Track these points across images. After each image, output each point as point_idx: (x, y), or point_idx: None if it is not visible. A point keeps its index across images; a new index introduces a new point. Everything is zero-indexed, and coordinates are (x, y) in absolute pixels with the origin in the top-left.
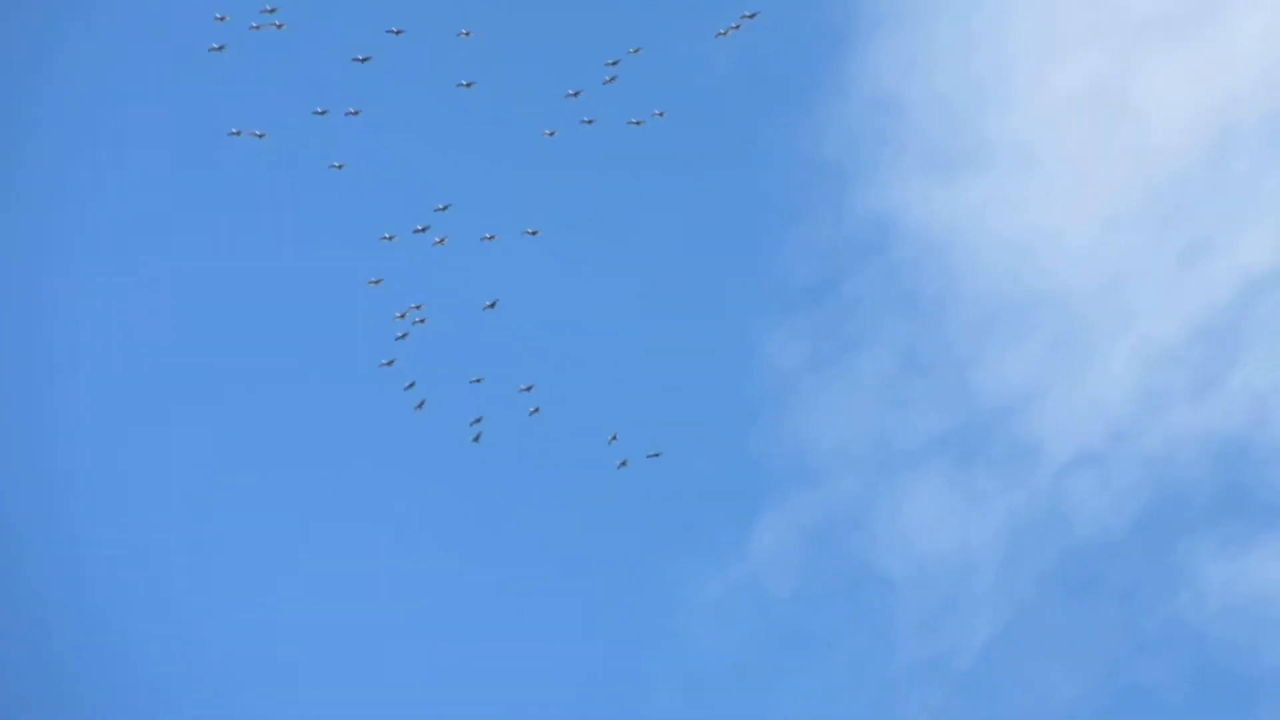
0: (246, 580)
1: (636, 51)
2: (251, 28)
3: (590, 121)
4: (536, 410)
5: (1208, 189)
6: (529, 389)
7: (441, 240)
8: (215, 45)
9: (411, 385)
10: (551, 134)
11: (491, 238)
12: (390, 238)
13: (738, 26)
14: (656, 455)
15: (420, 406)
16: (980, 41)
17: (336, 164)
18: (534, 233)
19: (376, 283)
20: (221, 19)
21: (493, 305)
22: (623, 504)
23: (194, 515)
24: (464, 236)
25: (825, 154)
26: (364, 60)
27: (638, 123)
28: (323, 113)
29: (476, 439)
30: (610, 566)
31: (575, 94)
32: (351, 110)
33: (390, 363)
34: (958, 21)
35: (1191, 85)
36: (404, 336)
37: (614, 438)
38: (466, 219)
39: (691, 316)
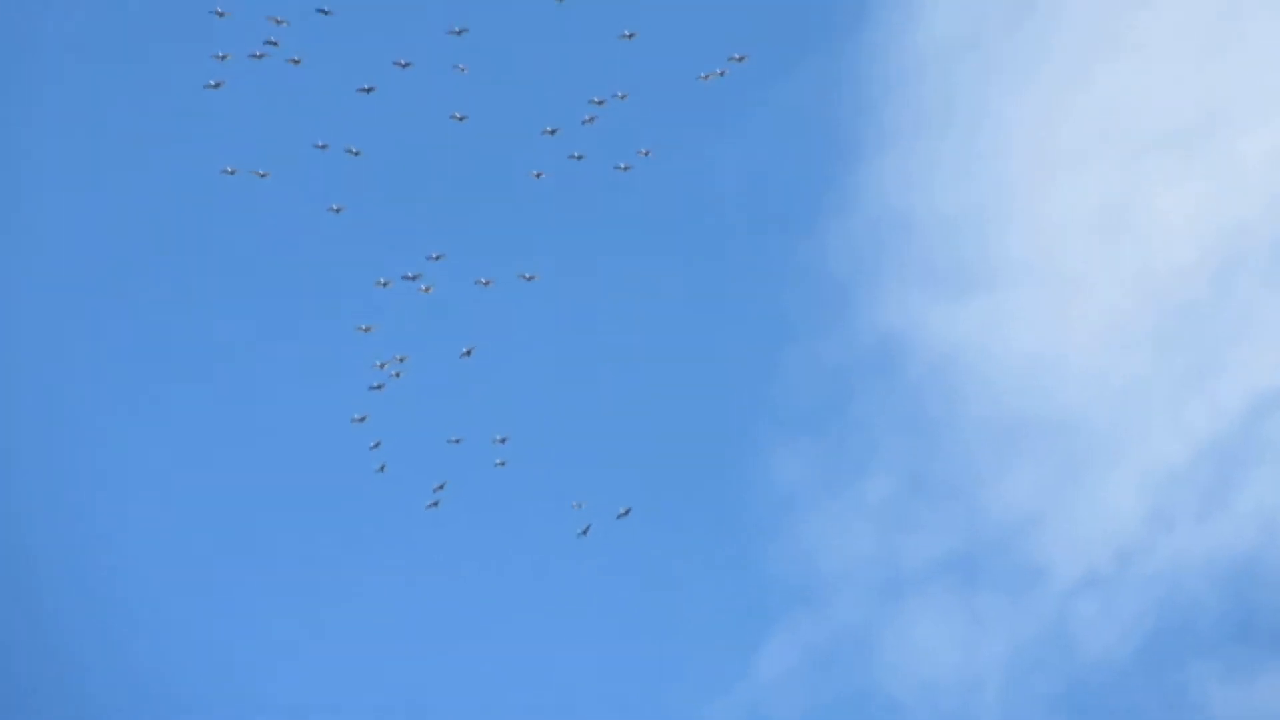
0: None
1: (623, 97)
2: (252, 56)
3: (579, 157)
4: (502, 463)
5: (1214, 309)
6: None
7: (428, 288)
8: (212, 82)
9: (377, 445)
10: (539, 175)
11: (487, 282)
12: (385, 283)
13: (722, 73)
14: (626, 513)
15: (382, 469)
16: (987, 160)
17: (335, 207)
18: (530, 277)
19: (367, 329)
20: (223, 57)
21: (468, 353)
22: (621, 626)
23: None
24: (454, 284)
25: (830, 271)
26: (368, 90)
27: (625, 168)
28: (323, 146)
29: (434, 505)
30: (609, 690)
31: (552, 131)
32: (353, 150)
33: (363, 419)
34: (964, 139)
35: (1198, 205)
36: (379, 387)
37: (578, 504)
38: (456, 265)
39: (694, 436)
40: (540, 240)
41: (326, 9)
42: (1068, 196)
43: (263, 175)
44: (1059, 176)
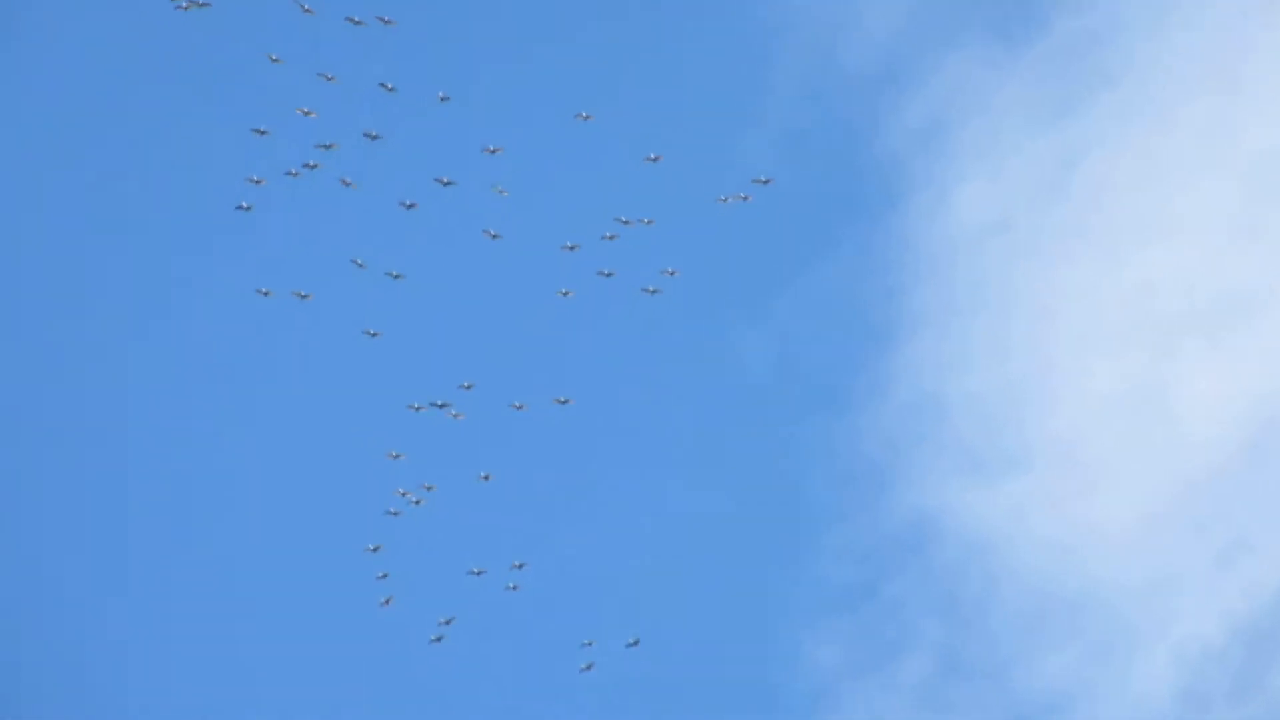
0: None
1: (649, 222)
2: (289, 174)
3: (609, 274)
4: (515, 587)
5: (1245, 488)
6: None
7: (459, 414)
8: (243, 204)
9: (384, 576)
10: (567, 294)
11: (521, 406)
12: (418, 408)
13: (746, 197)
14: (635, 644)
15: (387, 603)
16: (1019, 343)
17: (371, 331)
18: (564, 401)
19: (397, 457)
20: (258, 181)
21: (487, 478)
22: None
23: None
24: (485, 410)
25: (864, 454)
26: (410, 206)
27: (653, 290)
28: (361, 265)
29: (439, 639)
30: None
31: (573, 246)
32: (394, 274)
33: (376, 548)
34: (996, 322)
35: (1227, 385)
36: (397, 514)
37: (589, 642)
38: (487, 392)
39: (731, 619)
40: (573, 380)
41: (375, 133)
42: (1100, 378)
43: (304, 297)
44: (1091, 358)
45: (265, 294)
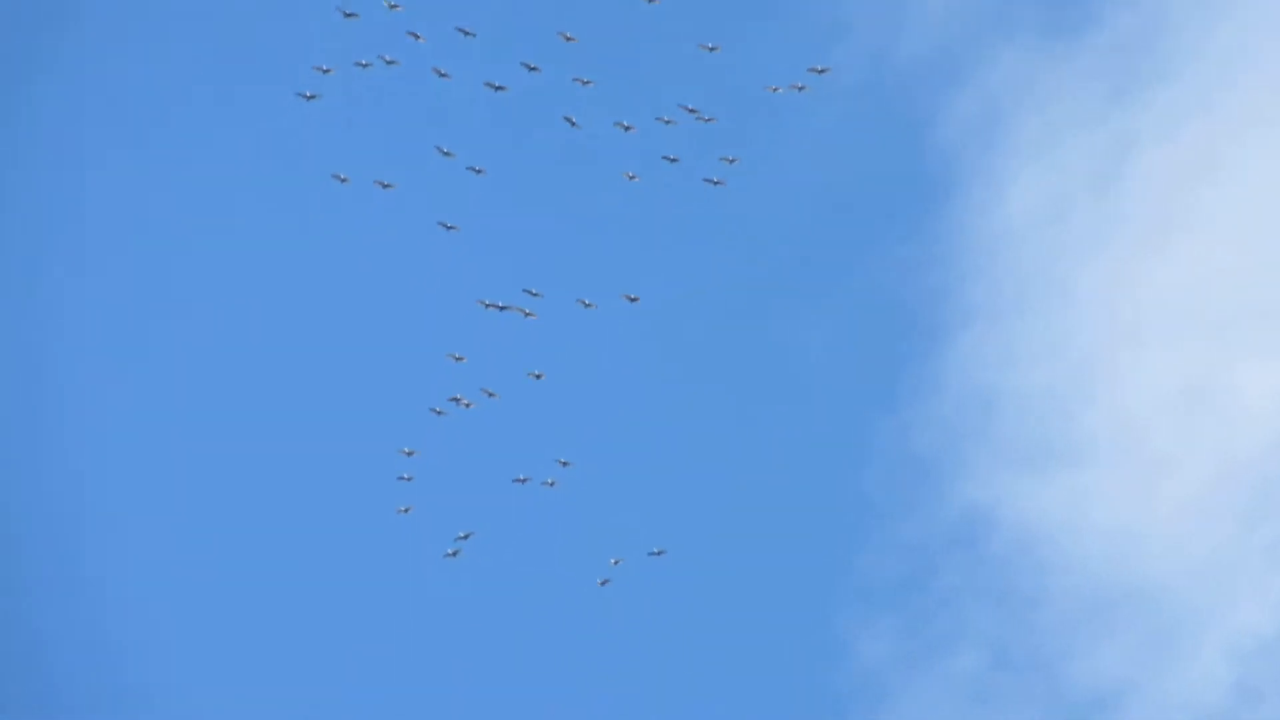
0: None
1: (709, 119)
2: (359, 64)
3: (674, 159)
4: (553, 483)
5: None
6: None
7: (530, 314)
8: (307, 93)
9: (409, 479)
10: (633, 177)
11: (589, 304)
12: (488, 305)
13: (801, 87)
14: (660, 553)
15: (406, 511)
16: (1069, 336)
17: (447, 224)
18: (633, 299)
19: (459, 359)
20: (326, 70)
21: (538, 376)
22: None
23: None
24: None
25: (914, 449)
26: (499, 88)
27: (717, 181)
28: (448, 154)
29: (455, 554)
30: None
31: (627, 127)
32: (476, 169)
33: (411, 453)
34: (1049, 316)
35: None
36: (441, 412)
37: (616, 561)
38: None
39: (780, 610)
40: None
41: (469, 29)
42: (1151, 372)
43: (386, 186)
44: (1142, 352)
45: (342, 180)
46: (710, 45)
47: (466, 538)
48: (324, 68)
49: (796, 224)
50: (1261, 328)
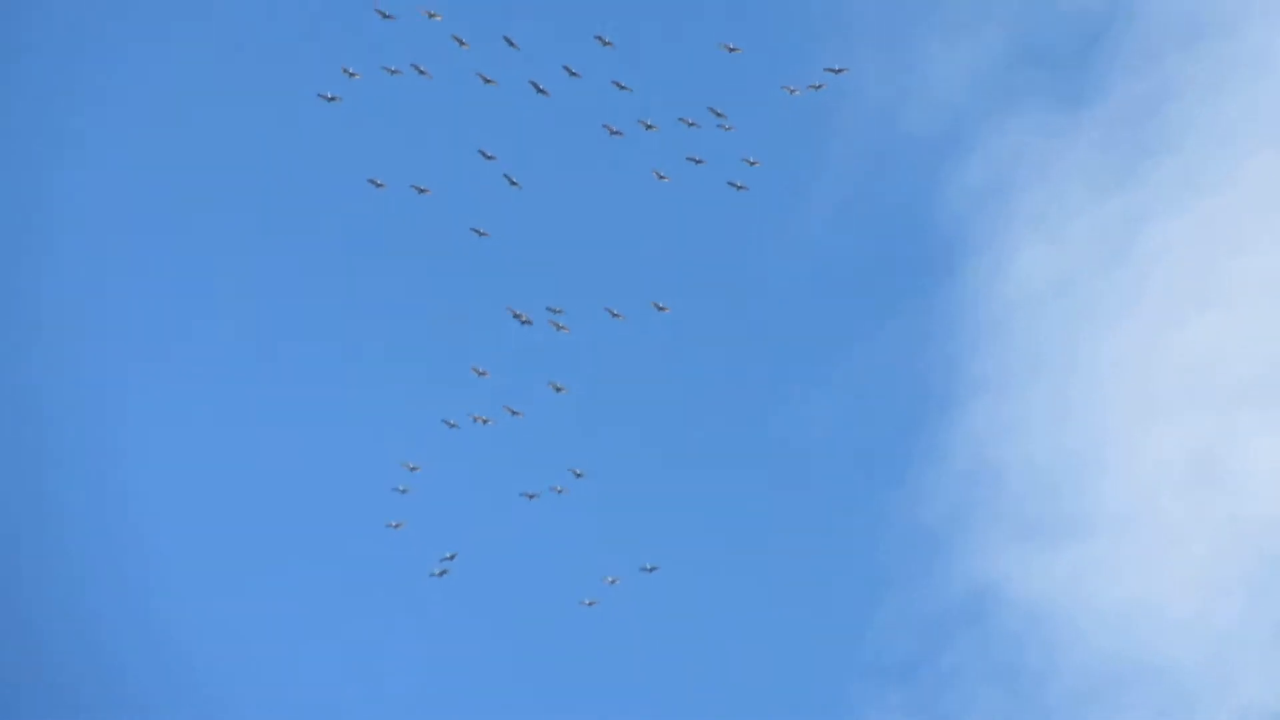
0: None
1: (728, 128)
2: (388, 70)
3: (699, 161)
4: (561, 490)
5: None
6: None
7: (563, 327)
8: (328, 94)
9: (404, 490)
10: (663, 177)
11: (618, 315)
12: (522, 317)
13: (820, 86)
14: (653, 569)
15: (398, 526)
16: (1077, 409)
17: (479, 230)
18: (663, 308)
19: (482, 374)
20: (353, 75)
21: (559, 389)
22: None
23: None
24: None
25: (922, 521)
26: (542, 91)
27: (740, 186)
28: (491, 157)
29: (442, 573)
30: None
31: (649, 125)
32: (511, 179)
33: (415, 467)
34: (1055, 388)
35: None
36: (454, 425)
37: (612, 580)
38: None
39: (788, 687)
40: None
41: (513, 41)
42: (1159, 445)
43: (422, 191)
44: (1150, 425)
45: (379, 185)
46: (731, 46)
47: (452, 558)
48: (351, 70)
49: (807, 296)
50: (1270, 400)
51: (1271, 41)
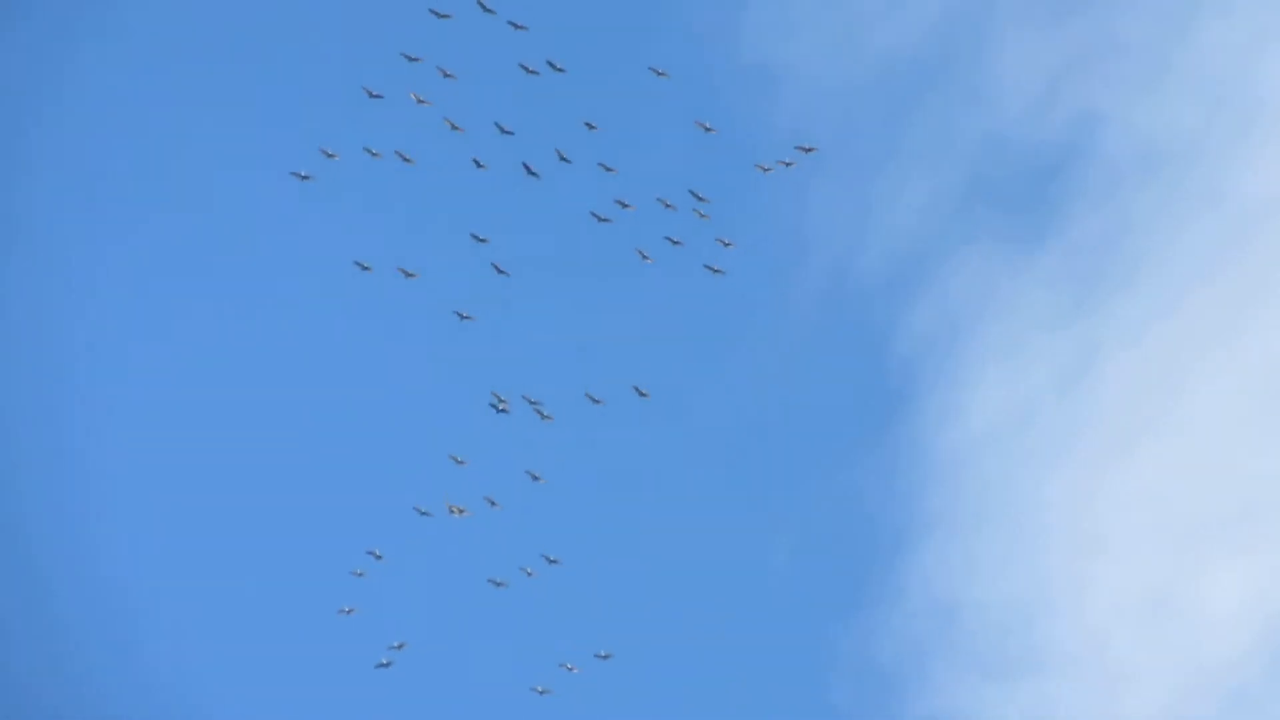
0: None
1: (703, 216)
2: (367, 151)
3: (677, 242)
4: (531, 573)
5: (1266, 698)
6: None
7: (548, 416)
8: (301, 173)
9: (360, 574)
10: (646, 258)
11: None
12: (501, 405)
13: (791, 163)
14: (607, 656)
15: (348, 612)
16: (1031, 547)
17: (463, 314)
18: (644, 394)
19: (461, 463)
20: (331, 156)
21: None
22: None
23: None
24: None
25: (876, 660)
26: (533, 173)
27: (717, 270)
28: (483, 240)
29: (386, 664)
30: None
31: (624, 205)
32: (499, 269)
33: (379, 556)
34: (1009, 526)
35: (1247, 587)
36: (426, 513)
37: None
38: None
39: None
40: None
41: (507, 128)
42: (1114, 581)
43: (409, 275)
44: (1105, 561)
45: (365, 268)
46: (707, 126)
47: (400, 648)
48: (329, 151)
49: (760, 434)
50: (1225, 536)
51: (1227, 173)
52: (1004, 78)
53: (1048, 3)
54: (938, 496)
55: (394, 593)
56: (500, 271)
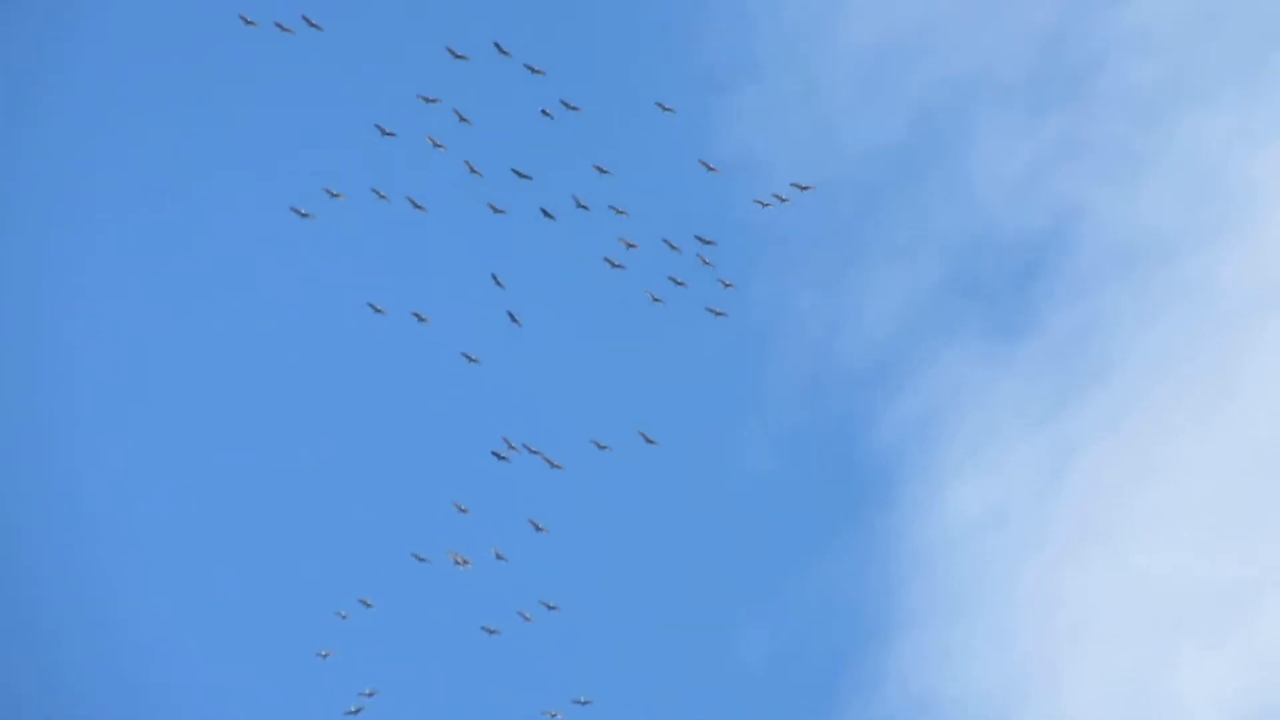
0: None
1: (705, 262)
2: (376, 194)
3: (682, 284)
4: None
5: None
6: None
7: (557, 465)
8: (301, 210)
9: (345, 617)
10: (658, 300)
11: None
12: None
13: (786, 200)
14: (586, 703)
15: (325, 656)
16: (1011, 640)
17: (469, 357)
18: (652, 441)
19: (463, 511)
20: (336, 196)
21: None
22: None
23: None
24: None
25: None
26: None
27: (719, 313)
28: (500, 285)
29: (355, 711)
30: None
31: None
32: (514, 318)
33: (345, 616)
34: (988, 620)
35: (1229, 681)
36: (423, 560)
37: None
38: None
39: None
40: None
41: (525, 173)
42: (1091, 676)
43: (421, 320)
44: (1082, 656)
45: (378, 310)
46: (710, 166)
47: (371, 695)
48: (334, 191)
49: (735, 526)
50: (1202, 629)
51: (1207, 270)
52: (983, 171)
53: (1027, 96)
54: (915, 589)
55: (379, 638)
56: (514, 320)
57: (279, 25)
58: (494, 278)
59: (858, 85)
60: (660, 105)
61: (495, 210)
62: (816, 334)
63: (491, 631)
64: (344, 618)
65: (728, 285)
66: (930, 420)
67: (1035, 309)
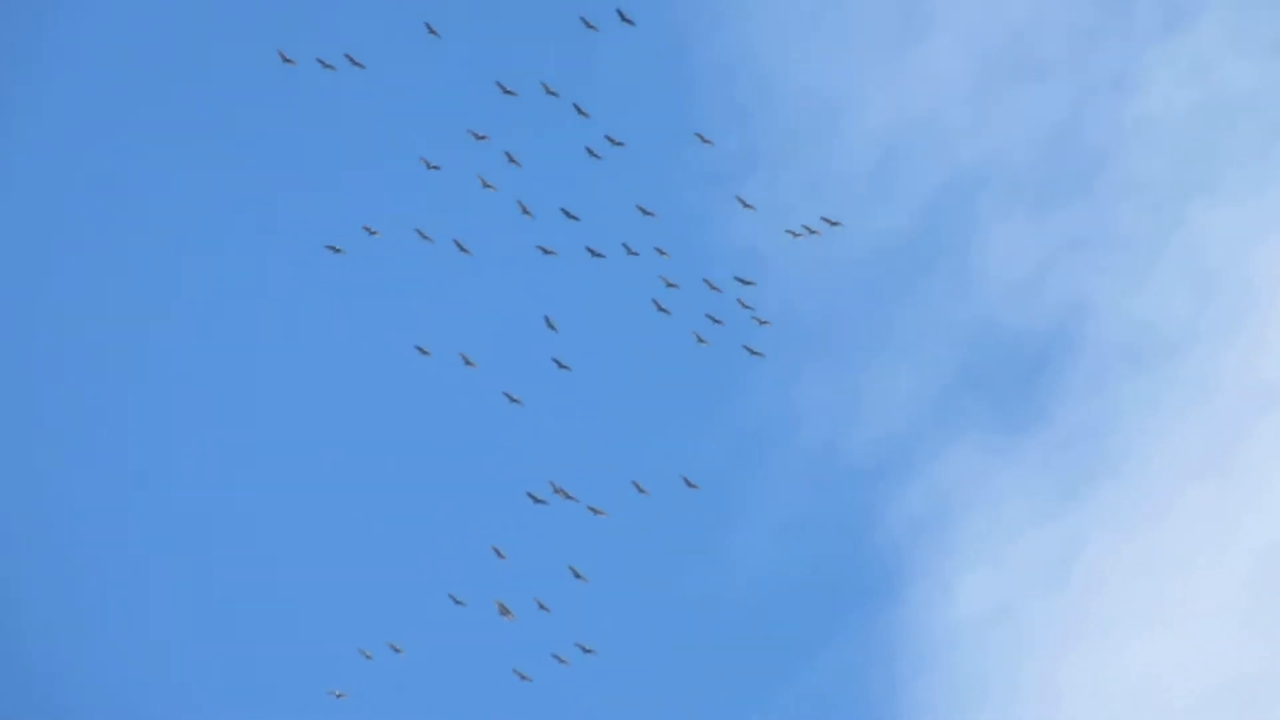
0: None
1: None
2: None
3: (719, 322)
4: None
5: None
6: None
7: (600, 512)
8: (335, 246)
9: (369, 657)
10: (702, 341)
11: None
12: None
13: (817, 232)
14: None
15: (339, 696)
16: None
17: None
18: (693, 485)
19: (502, 556)
20: (373, 233)
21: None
22: None
23: None
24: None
25: None
26: (597, 255)
27: (755, 353)
28: (553, 327)
29: (339, 695)
30: None
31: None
32: (561, 364)
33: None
34: (999, 715)
35: None
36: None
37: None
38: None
39: None
40: None
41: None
42: None
43: (469, 363)
44: None
45: (424, 353)
46: (746, 202)
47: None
48: (372, 229)
49: (742, 619)
50: None
51: (1218, 363)
52: (992, 264)
53: (1036, 189)
54: (921, 683)
55: (406, 679)
56: (562, 366)
57: (321, 62)
58: (547, 320)
59: (866, 177)
60: (699, 136)
61: (545, 251)
62: (824, 427)
63: (524, 678)
64: (368, 657)
65: (763, 323)
66: (936, 514)
67: (1042, 402)
